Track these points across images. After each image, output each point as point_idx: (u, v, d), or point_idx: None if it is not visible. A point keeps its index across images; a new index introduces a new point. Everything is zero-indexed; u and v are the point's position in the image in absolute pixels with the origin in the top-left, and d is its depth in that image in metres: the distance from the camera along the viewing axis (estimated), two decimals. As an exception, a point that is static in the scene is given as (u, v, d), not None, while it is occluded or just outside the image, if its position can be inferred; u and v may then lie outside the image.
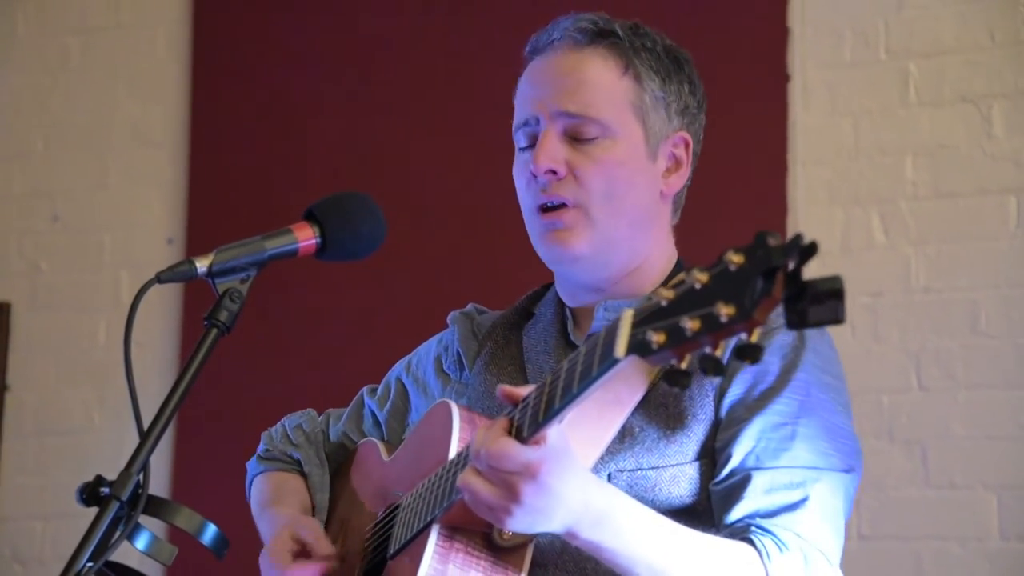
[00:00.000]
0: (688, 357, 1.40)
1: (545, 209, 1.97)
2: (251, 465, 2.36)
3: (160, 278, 1.69)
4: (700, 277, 1.39)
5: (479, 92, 4.17)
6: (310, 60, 4.46)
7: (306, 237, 1.78)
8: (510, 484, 1.61)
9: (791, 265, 1.33)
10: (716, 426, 1.88)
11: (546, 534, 1.72)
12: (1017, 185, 3.72)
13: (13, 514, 4.57)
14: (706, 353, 1.38)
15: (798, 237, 1.33)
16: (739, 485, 1.83)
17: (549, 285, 2.14)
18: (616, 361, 1.46)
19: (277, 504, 2.20)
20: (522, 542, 1.77)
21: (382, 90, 4.36)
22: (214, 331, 1.70)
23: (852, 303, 3.80)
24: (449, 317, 2.22)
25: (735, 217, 3.79)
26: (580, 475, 1.66)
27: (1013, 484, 3.63)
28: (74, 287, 4.64)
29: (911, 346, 3.75)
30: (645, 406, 1.87)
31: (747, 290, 1.34)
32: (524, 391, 1.65)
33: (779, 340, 1.90)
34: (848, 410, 1.93)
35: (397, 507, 1.96)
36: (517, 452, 1.60)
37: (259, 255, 1.74)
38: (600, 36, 1.99)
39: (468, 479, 1.64)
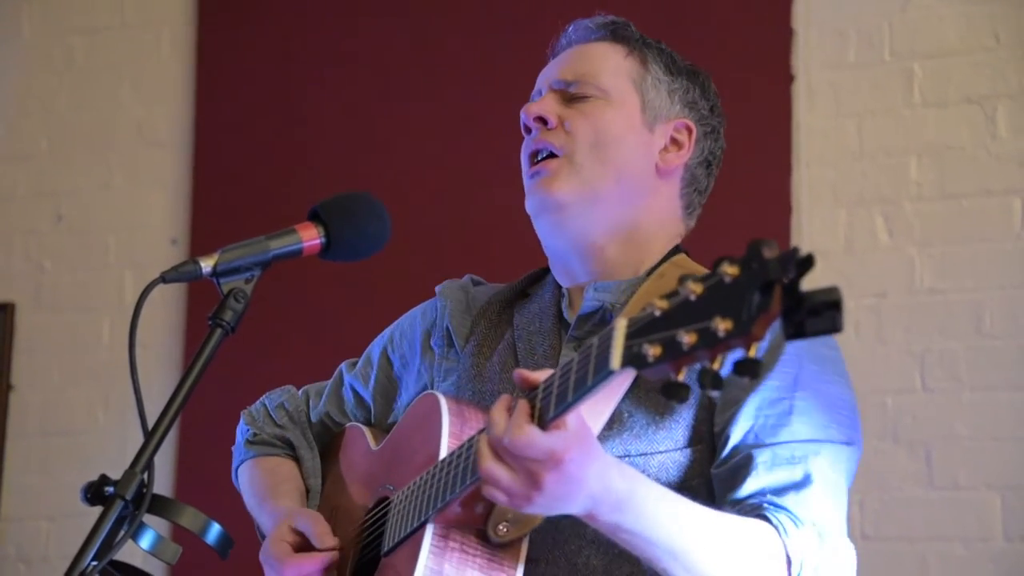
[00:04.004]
0: (684, 369, 1.40)
1: (534, 161, 2.02)
2: (239, 449, 2.33)
3: (165, 278, 1.69)
4: (695, 288, 1.38)
5: (486, 93, 4.17)
6: (315, 60, 4.46)
7: (310, 237, 1.78)
8: (533, 472, 1.60)
9: (787, 278, 1.32)
10: (708, 409, 1.88)
11: (562, 517, 1.71)
12: (1022, 186, 3.71)
13: (17, 514, 4.57)
14: (705, 367, 1.37)
15: (795, 250, 1.32)
16: (742, 464, 1.84)
17: (548, 269, 2.14)
18: (611, 372, 1.46)
19: (276, 496, 2.19)
20: (517, 537, 1.77)
21: (387, 91, 4.36)
22: (218, 331, 1.70)
23: (856, 304, 3.80)
24: (439, 288, 2.20)
25: (739, 218, 3.78)
26: (601, 459, 1.65)
27: (1017, 485, 3.62)
28: (78, 287, 4.64)
29: (915, 347, 3.75)
30: (634, 391, 1.86)
31: (744, 304, 1.33)
32: (541, 376, 1.65)
33: None
34: (845, 380, 1.93)
35: (387, 502, 1.96)
36: (542, 440, 1.59)
37: (263, 255, 1.74)
38: (613, 31, 2.07)
39: (489, 467, 1.62)
